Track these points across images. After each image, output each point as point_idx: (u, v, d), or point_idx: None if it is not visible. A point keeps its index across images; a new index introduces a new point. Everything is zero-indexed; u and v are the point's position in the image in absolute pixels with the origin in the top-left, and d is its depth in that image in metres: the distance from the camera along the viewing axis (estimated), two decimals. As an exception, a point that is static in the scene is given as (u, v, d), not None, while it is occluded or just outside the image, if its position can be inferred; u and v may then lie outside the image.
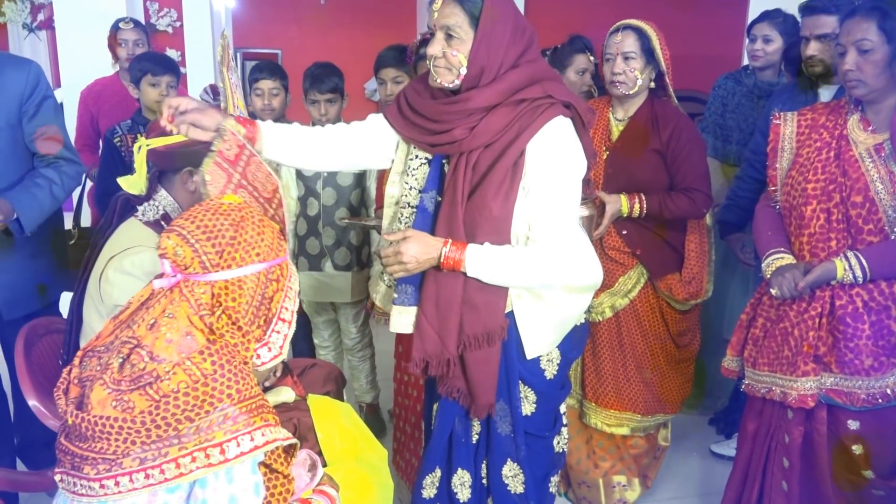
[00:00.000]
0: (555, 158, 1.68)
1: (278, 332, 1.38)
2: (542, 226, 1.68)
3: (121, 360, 1.24)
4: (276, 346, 1.38)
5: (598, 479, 2.59)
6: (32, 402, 1.89)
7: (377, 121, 1.89)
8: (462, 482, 1.91)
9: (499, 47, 1.66)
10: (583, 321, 1.96)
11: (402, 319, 1.78)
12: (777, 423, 2.06)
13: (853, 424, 1.93)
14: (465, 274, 1.69)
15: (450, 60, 1.68)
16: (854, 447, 1.94)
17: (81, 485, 1.23)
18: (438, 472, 1.94)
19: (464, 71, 1.68)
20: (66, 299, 2.21)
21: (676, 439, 2.99)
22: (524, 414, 1.83)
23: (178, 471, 1.21)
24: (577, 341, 1.95)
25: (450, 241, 1.69)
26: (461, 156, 1.70)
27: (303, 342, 3.25)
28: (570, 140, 1.71)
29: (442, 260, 1.68)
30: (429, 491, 1.94)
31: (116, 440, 1.19)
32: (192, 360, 1.23)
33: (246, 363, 1.31)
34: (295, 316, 1.43)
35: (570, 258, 1.71)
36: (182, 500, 1.24)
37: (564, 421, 2.01)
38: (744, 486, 2.16)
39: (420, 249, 1.67)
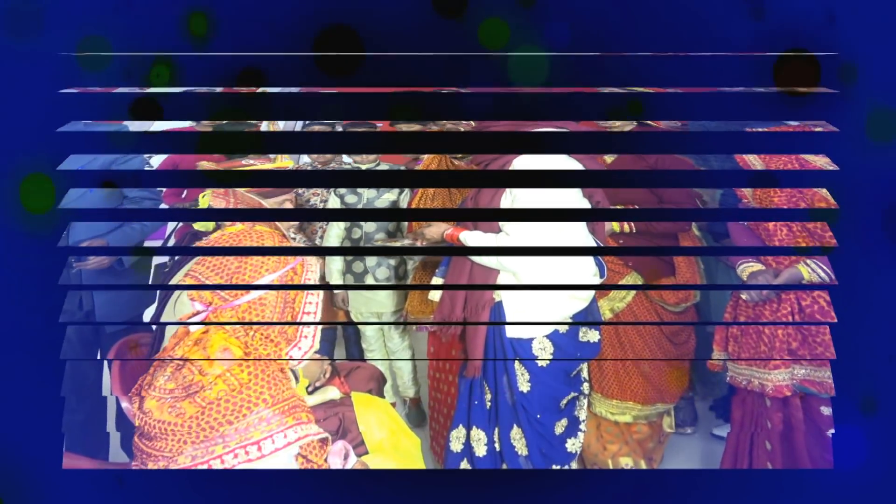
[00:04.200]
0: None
1: (307, 337, 1.56)
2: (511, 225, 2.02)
3: (170, 372, 1.43)
4: (307, 342, 1.54)
5: (606, 460, 2.79)
6: (125, 405, 2.23)
7: None
8: (478, 439, 2.18)
9: None
10: (596, 340, 2.24)
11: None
12: (759, 411, 2.26)
13: (826, 411, 2.13)
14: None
15: None
16: (829, 431, 2.11)
17: None
18: (462, 430, 2.23)
19: None
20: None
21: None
22: (520, 390, 2.11)
23: (222, 466, 1.37)
24: (583, 348, 2.22)
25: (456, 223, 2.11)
26: None
27: (353, 347, 3.60)
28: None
29: (448, 233, 2.11)
30: (456, 444, 2.24)
31: (173, 440, 1.38)
32: (231, 372, 1.40)
33: (282, 370, 1.51)
34: (320, 306, 1.59)
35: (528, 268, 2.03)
36: None
37: (583, 427, 2.27)
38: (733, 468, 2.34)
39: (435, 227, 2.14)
